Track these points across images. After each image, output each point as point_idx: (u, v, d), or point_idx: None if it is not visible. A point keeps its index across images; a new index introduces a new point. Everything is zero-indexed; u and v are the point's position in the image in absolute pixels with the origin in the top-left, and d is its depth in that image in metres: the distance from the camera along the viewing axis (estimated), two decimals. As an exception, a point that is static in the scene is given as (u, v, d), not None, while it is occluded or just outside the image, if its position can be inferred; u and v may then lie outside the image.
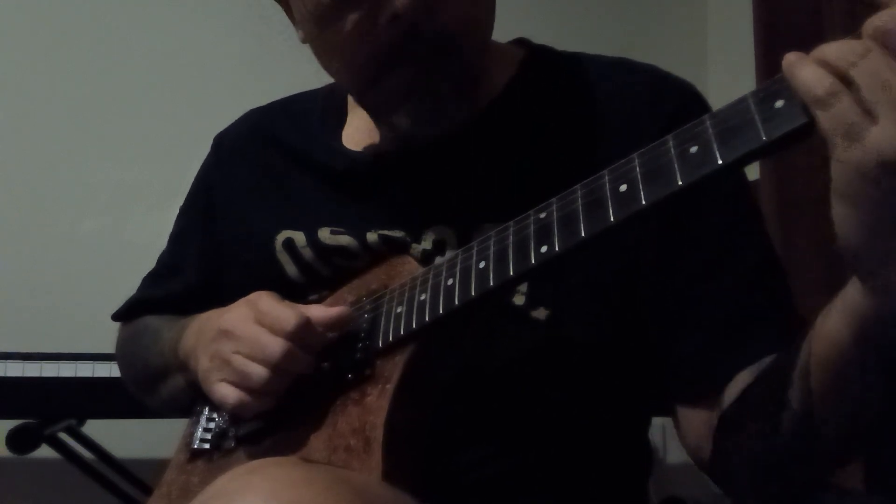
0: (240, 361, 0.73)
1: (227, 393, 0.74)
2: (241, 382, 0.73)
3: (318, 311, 0.75)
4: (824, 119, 0.47)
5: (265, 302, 0.75)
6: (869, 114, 0.46)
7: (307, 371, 0.74)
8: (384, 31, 0.73)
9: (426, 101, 0.76)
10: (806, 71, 0.48)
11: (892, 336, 0.53)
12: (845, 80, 0.47)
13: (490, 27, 0.82)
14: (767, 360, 0.69)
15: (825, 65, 0.48)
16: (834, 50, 0.48)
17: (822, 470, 0.68)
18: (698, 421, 0.75)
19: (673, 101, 0.79)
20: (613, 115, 0.80)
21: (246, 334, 0.73)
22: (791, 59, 0.49)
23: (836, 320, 0.56)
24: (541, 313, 0.76)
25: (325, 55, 0.81)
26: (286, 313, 0.73)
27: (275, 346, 0.71)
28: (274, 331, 0.72)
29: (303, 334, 0.72)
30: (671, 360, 0.76)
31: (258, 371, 0.72)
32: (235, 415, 0.79)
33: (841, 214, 0.49)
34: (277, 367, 0.72)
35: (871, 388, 0.57)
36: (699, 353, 0.74)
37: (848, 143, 0.46)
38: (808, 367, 0.59)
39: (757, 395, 0.67)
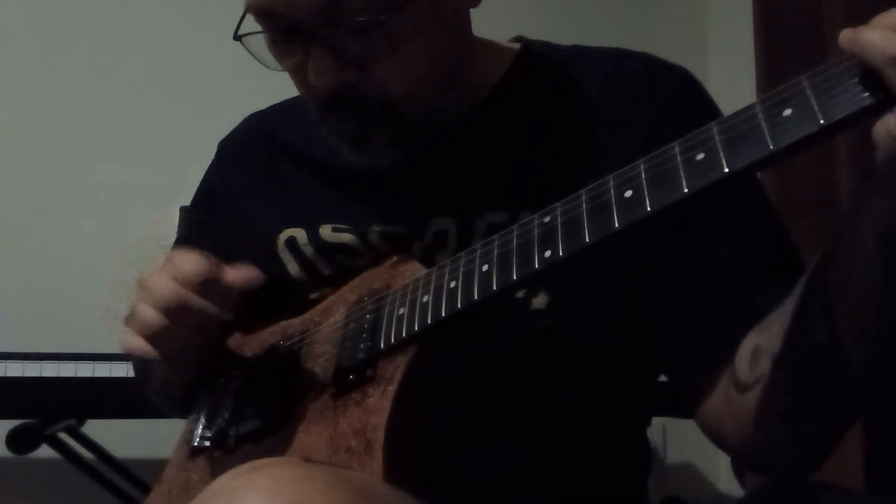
0: (139, 308, 0.75)
1: (127, 340, 0.76)
2: (139, 329, 0.75)
3: (229, 271, 0.75)
4: None
5: (178, 254, 0.76)
6: None
7: (204, 321, 0.75)
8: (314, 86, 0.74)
9: (361, 145, 0.77)
10: (873, 34, 0.48)
11: None
12: None
13: (441, 82, 0.78)
14: (772, 316, 0.68)
15: (891, 27, 0.48)
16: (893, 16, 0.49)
17: (854, 405, 0.68)
18: (715, 399, 0.73)
19: (668, 85, 0.80)
20: (609, 102, 0.80)
21: (150, 283, 0.75)
22: (850, 31, 0.49)
23: (862, 240, 0.57)
24: (541, 300, 0.76)
25: None
26: (189, 262, 0.74)
27: (165, 288, 0.73)
28: (177, 279, 0.74)
29: (203, 283, 0.73)
30: (679, 338, 0.75)
31: (151, 316, 0.73)
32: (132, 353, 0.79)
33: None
34: (169, 311, 0.73)
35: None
36: (706, 323, 0.73)
37: None
38: (829, 298, 0.60)
39: (777, 345, 0.66)
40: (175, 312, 0.73)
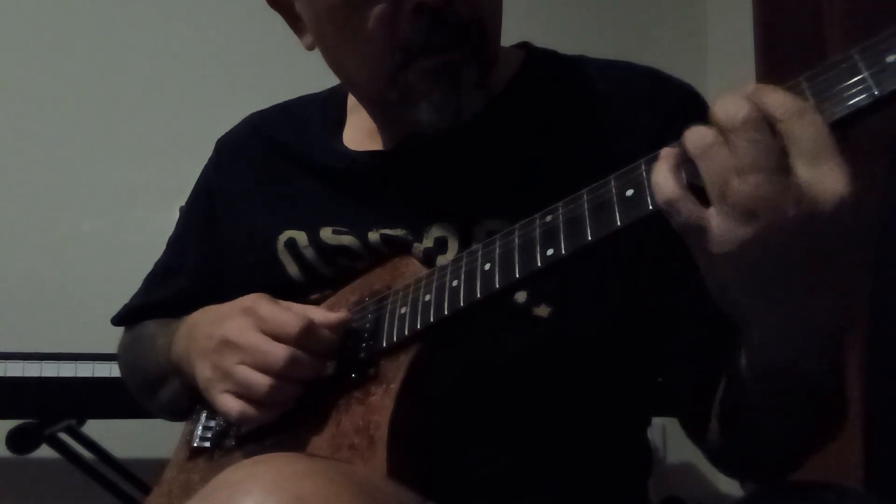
0: (243, 372, 0.72)
1: (231, 405, 0.73)
2: (244, 394, 0.73)
3: (319, 315, 0.75)
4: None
5: (265, 308, 0.74)
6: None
7: (312, 376, 0.73)
8: (408, 22, 0.73)
9: (450, 90, 0.76)
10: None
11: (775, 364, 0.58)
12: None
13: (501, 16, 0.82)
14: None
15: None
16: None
17: (791, 461, 0.70)
18: (706, 413, 0.74)
19: (672, 101, 0.80)
20: (613, 114, 0.80)
21: (248, 344, 0.73)
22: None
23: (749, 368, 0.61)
24: (543, 311, 0.76)
25: (342, 55, 0.80)
26: (289, 318, 0.72)
27: (278, 353, 0.71)
28: (277, 337, 0.72)
29: (307, 338, 0.72)
30: (673, 352, 0.76)
31: (261, 381, 0.71)
32: (240, 425, 0.79)
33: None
34: (281, 376, 0.71)
35: (775, 412, 0.63)
36: (699, 341, 0.74)
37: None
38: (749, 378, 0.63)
39: (724, 392, 0.69)
40: (287, 375, 0.71)
